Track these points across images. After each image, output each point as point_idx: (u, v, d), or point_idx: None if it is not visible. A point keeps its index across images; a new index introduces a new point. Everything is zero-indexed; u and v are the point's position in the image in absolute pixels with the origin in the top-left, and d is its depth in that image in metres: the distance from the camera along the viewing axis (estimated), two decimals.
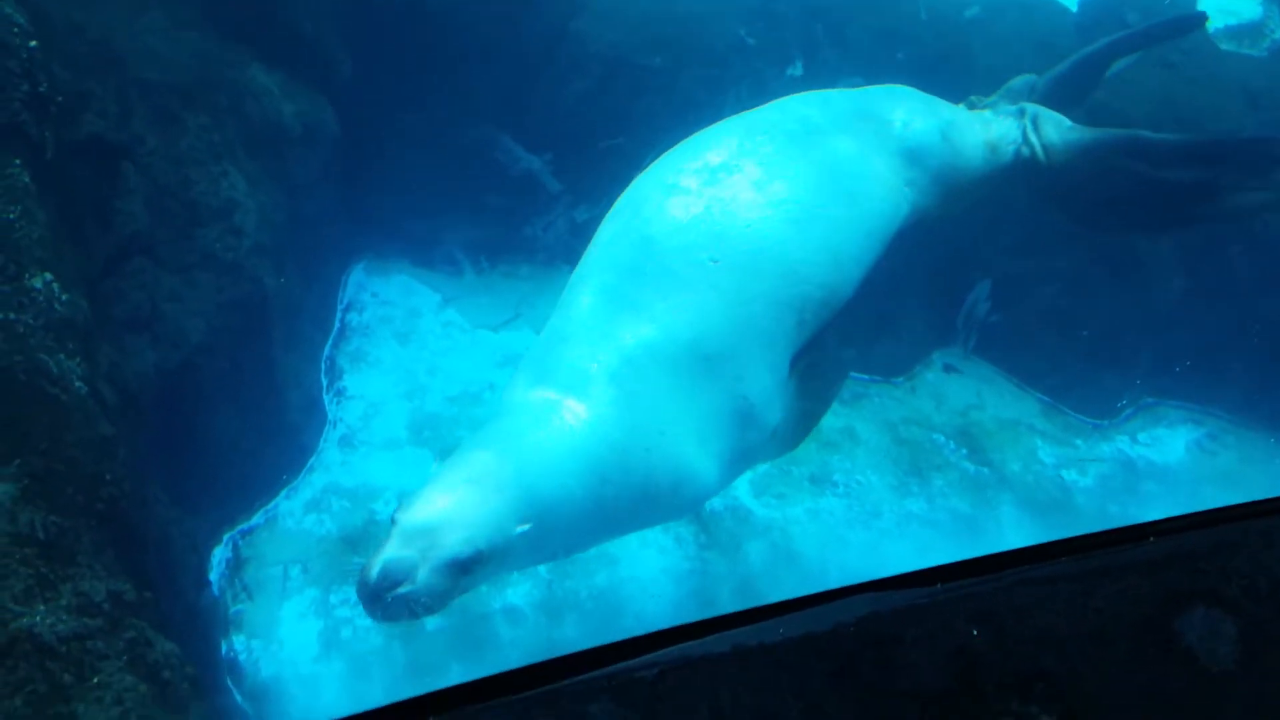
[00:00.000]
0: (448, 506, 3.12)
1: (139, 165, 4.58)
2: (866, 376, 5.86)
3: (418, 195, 6.15)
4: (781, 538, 5.03)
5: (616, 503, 3.44)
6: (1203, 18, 5.51)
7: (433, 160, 6.06)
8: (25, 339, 3.22)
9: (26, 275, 3.42)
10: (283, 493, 5.00)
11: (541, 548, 3.42)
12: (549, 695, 1.79)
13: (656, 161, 4.22)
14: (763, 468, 5.12)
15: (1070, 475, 5.42)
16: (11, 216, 3.50)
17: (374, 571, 2.97)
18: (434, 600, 3.06)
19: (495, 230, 6.24)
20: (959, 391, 5.84)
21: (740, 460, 3.80)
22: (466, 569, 3.08)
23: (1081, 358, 5.72)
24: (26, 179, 3.68)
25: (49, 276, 3.50)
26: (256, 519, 4.87)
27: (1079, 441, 5.62)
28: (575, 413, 3.41)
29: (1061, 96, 5.09)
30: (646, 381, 3.50)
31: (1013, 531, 5.07)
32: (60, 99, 4.04)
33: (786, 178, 3.97)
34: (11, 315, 3.26)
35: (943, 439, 5.57)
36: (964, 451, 5.51)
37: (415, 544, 3.02)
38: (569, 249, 6.12)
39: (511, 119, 6.05)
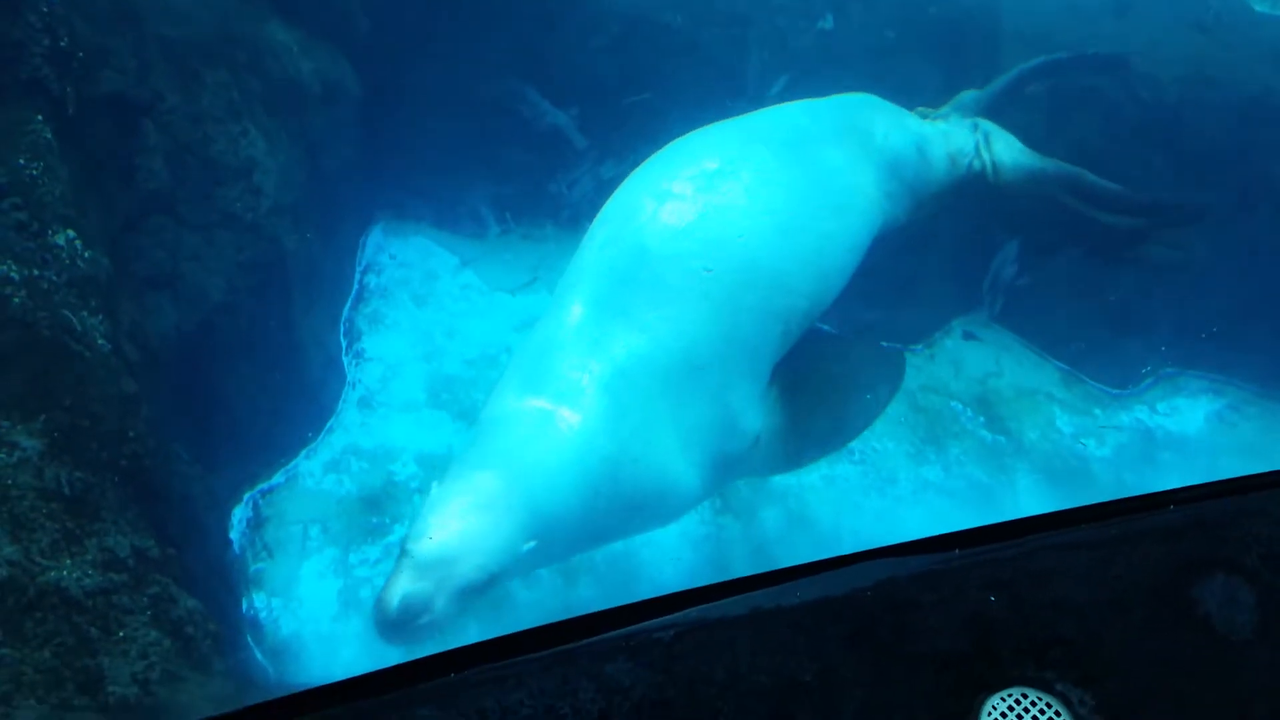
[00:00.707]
0: (459, 535, 3.15)
1: (159, 122, 4.57)
2: (885, 343, 5.84)
3: (438, 153, 6.12)
4: (797, 504, 5.04)
5: (606, 514, 3.47)
6: (1126, 59, 5.51)
7: (455, 117, 6.02)
8: (49, 295, 3.24)
9: (50, 232, 3.44)
10: (302, 453, 5.03)
11: (541, 560, 3.47)
12: (567, 654, 1.82)
13: (646, 164, 4.20)
14: None
15: (1088, 444, 5.40)
16: (34, 173, 3.51)
17: (394, 605, 2.99)
18: (450, 621, 3.11)
19: (520, 187, 6.21)
20: (978, 359, 5.81)
21: (722, 469, 3.81)
22: (481, 592, 3.15)
23: (1102, 325, 5.68)
24: (48, 135, 3.68)
25: (72, 234, 3.52)
26: (277, 478, 4.91)
27: (1098, 410, 5.59)
28: (569, 423, 3.43)
29: (998, 109, 5.24)
30: (637, 392, 3.51)
31: (1029, 500, 5.07)
32: (81, 54, 4.03)
33: (780, 188, 3.98)
34: (35, 272, 3.28)
35: (960, 407, 5.55)
36: (981, 419, 5.49)
37: (430, 575, 3.05)
38: (594, 207, 6.06)
39: (534, 74, 6.00)
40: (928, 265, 5.58)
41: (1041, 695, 1.79)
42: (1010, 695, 1.80)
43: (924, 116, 5.11)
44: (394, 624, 3.01)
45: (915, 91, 5.54)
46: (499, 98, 5.96)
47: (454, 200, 6.23)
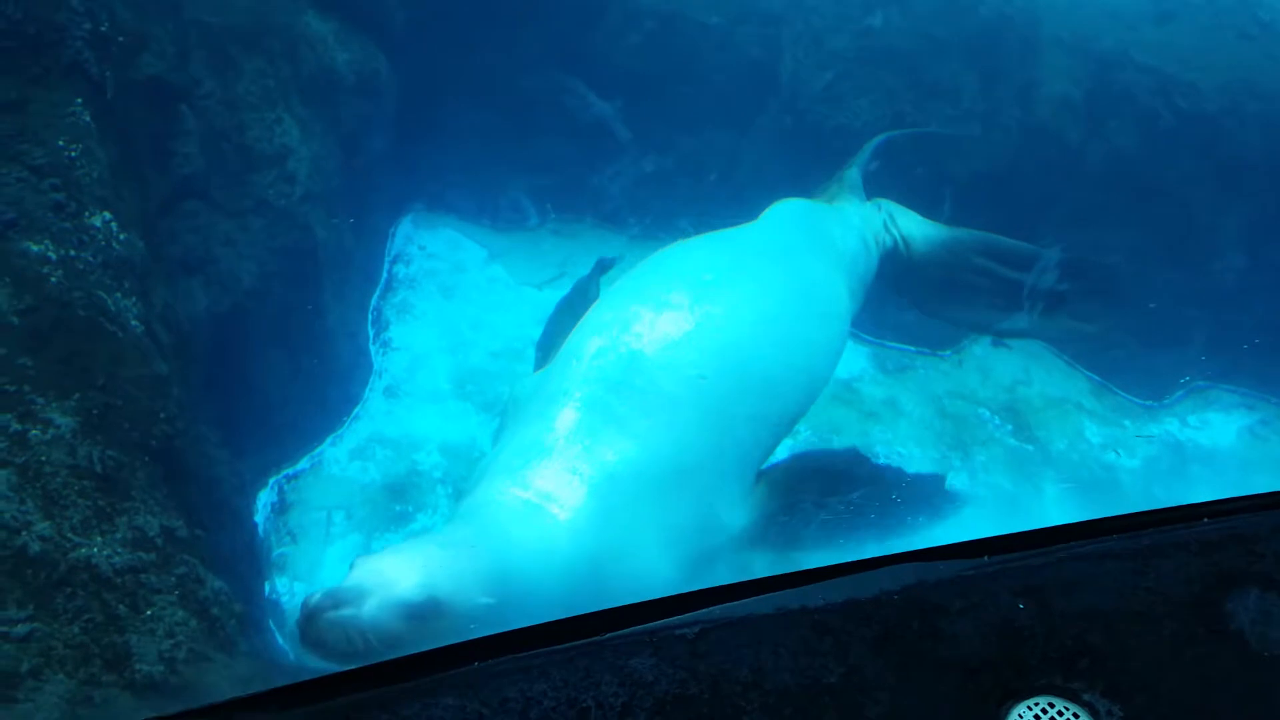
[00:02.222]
0: (410, 557, 3.09)
1: (195, 108, 4.61)
2: (913, 348, 5.81)
3: (472, 145, 6.13)
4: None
5: (580, 597, 3.44)
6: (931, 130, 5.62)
7: (489, 109, 6.03)
8: (85, 276, 3.28)
9: (86, 213, 3.47)
10: (328, 439, 5.07)
11: (501, 621, 3.39)
12: (592, 647, 1.81)
13: (634, 272, 4.28)
14: (804, 433, 5.11)
15: (1115, 456, 5.36)
16: (73, 155, 3.55)
17: (317, 595, 2.86)
18: (379, 638, 2.89)
19: (561, 178, 6.21)
20: (1007, 366, 5.77)
21: (704, 562, 3.80)
22: (420, 616, 2.98)
23: (1134, 335, 5.63)
24: (88, 118, 3.72)
25: (108, 215, 3.56)
26: (302, 464, 4.94)
27: (1127, 422, 5.54)
28: (556, 519, 3.42)
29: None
30: (626, 496, 3.52)
31: (1055, 510, 5.02)
32: (121, 39, 4.07)
33: (775, 298, 4.09)
34: (72, 252, 3.32)
35: (988, 414, 5.52)
36: (1009, 427, 5.46)
37: (369, 580, 2.94)
38: (634, 201, 6.10)
39: (570, 68, 6.00)
40: None
41: (1069, 705, 1.77)
42: (1037, 704, 1.78)
43: (822, 200, 5.22)
44: (313, 611, 2.83)
45: (950, 95, 5.52)
46: (541, 89, 5.96)
47: (490, 192, 6.25)
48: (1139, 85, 4.89)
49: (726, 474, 3.77)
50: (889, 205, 5.18)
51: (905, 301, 5.01)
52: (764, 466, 4.03)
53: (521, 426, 3.73)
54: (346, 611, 2.82)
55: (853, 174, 5.24)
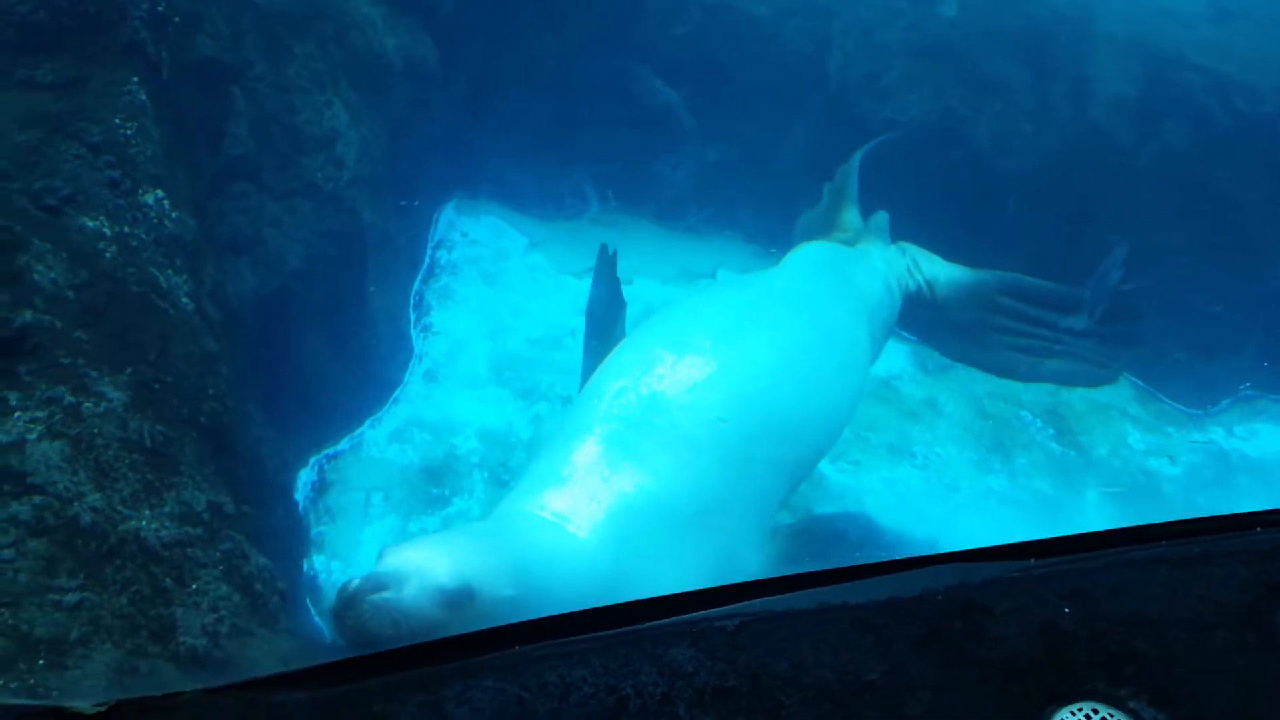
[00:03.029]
0: (438, 547, 3.12)
1: (247, 90, 4.66)
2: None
3: (522, 132, 6.12)
4: (855, 504, 4.99)
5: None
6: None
7: (542, 95, 6.03)
8: (138, 253, 3.33)
9: (140, 191, 3.52)
10: (368, 421, 5.11)
11: (524, 615, 3.40)
12: (633, 635, 1.81)
13: (662, 313, 4.35)
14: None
15: (1170, 462, 5.27)
16: (128, 133, 3.60)
17: (355, 581, 2.85)
18: (417, 623, 2.90)
19: (622, 165, 6.21)
20: None
21: None
22: (455, 603, 2.99)
23: (1183, 342, 5.53)
24: (143, 97, 3.77)
25: (160, 193, 3.60)
26: (342, 445, 4.99)
27: (1171, 430, 5.45)
28: (573, 536, 3.45)
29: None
30: (642, 526, 3.54)
31: (1095, 515, 4.95)
32: (177, 19, 4.12)
33: (798, 345, 4.14)
34: (126, 229, 3.37)
35: (1029, 416, 5.45)
36: (1051, 431, 5.39)
37: (405, 566, 2.94)
38: (696, 190, 6.08)
39: (625, 57, 5.98)
40: (1005, 266, 5.47)
41: (1113, 711, 1.74)
42: (1081, 709, 1.75)
43: (844, 243, 5.18)
44: (354, 596, 2.82)
45: (1001, 91, 5.45)
46: (598, 75, 5.93)
47: (538, 179, 6.25)
48: (1195, 85, 4.79)
49: (745, 516, 3.80)
50: (913, 250, 5.19)
51: (931, 346, 4.96)
52: (781, 521, 4.11)
53: (542, 459, 3.78)
54: (388, 595, 2.82)
55: (882, 218, 5.25)
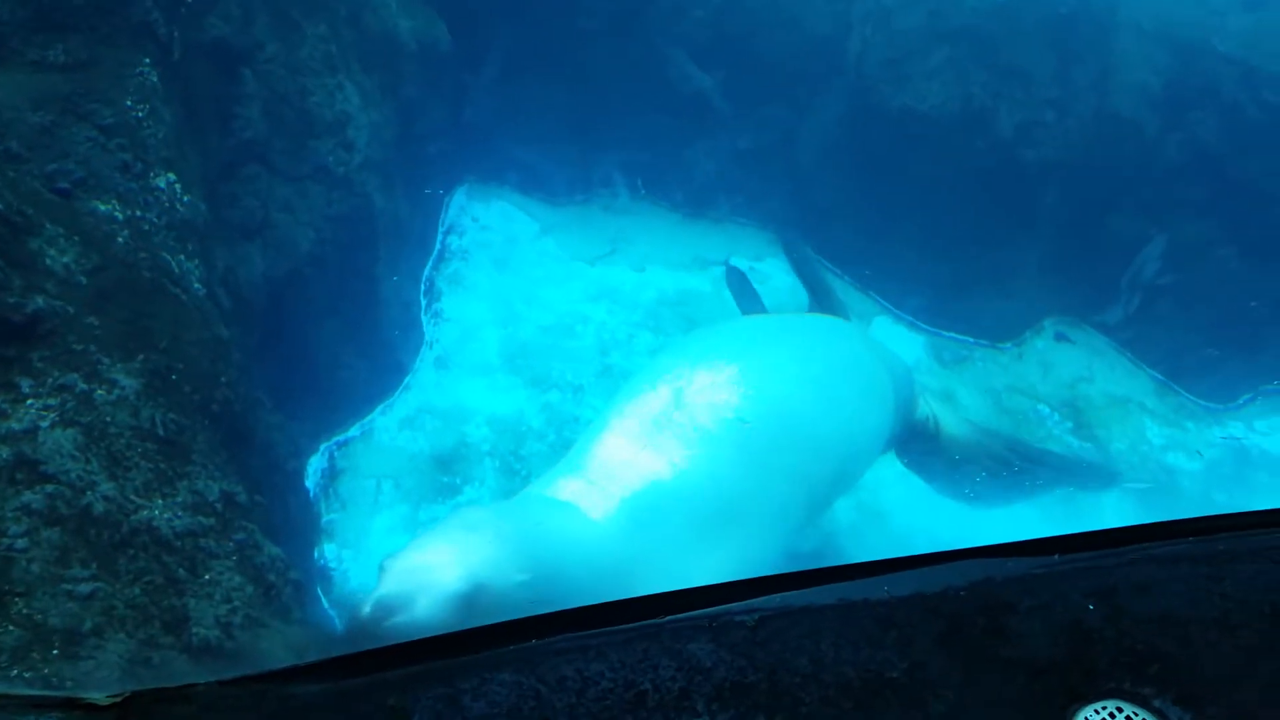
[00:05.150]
0: (439, 547, 3.05)
1: (258, 72, 4.62)
2: (972, 339, 5.70)
3: (554, 118, 6.04)
4: (870, 497, 4.96)
5: (603, 594, 3.40)
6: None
7: (551, 81, 5.96)
8: (150, 237, 3.30)
9: (152, 174, 3.49)
10: (379, 408, 5.09)
11: (538, 598, 3.38)
12: (651, 629, 1.79)
13: (686, 336, 4.39)
14: None
15: (1177, 458, 5.22)
16: (140, 115, 3.57)
17: (365, 608, 2.79)
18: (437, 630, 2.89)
19: (653, 153, 6.13)
20: (1068, 362, 5.65)
21: None
22: (469, 604, 2.96)
23: (1204, 336, 5.46)
24: (155, 79, 3.74)
25: (172, 177, 3.58)
26: (353, 432, 4.97)
27: (1190, 425, 5.40)
28: (585, 518, 3.45)
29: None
30: (657, 515, 3.54)
31: (1112, 512, 4.91)
32: (189, 0, 4.08)
33: (825, 363, 4.21)
34: (138, 213, 3.34)
35: (1047, 410, 5.42)
36: (1068, 425, 5.35)
37: (409, 581, 2.89)
38: (727, 179, 6.02)
39: (641, 42, 5.89)
40: (1025, 257, 5.42)
41: (1138, 710, 1.72)
42: (1105, 708, 1.73)
43: None
44: (366, 627, 2.77)
45: (1023, 79, 5.37)
46: (630, 60, 5.84)
47: (563, 166, 6.18)
48: (1223, 76, 4.71)
49: (764, 527, 3.78)
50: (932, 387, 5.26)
51: (905, 464, 4.96)
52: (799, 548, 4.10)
53: (562, 456, 3.81)
54: (401, 619, 2.78)
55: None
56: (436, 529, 3.19)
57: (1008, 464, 4.92)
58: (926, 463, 4.95)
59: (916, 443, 4.87)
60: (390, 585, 2.86)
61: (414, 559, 2.98)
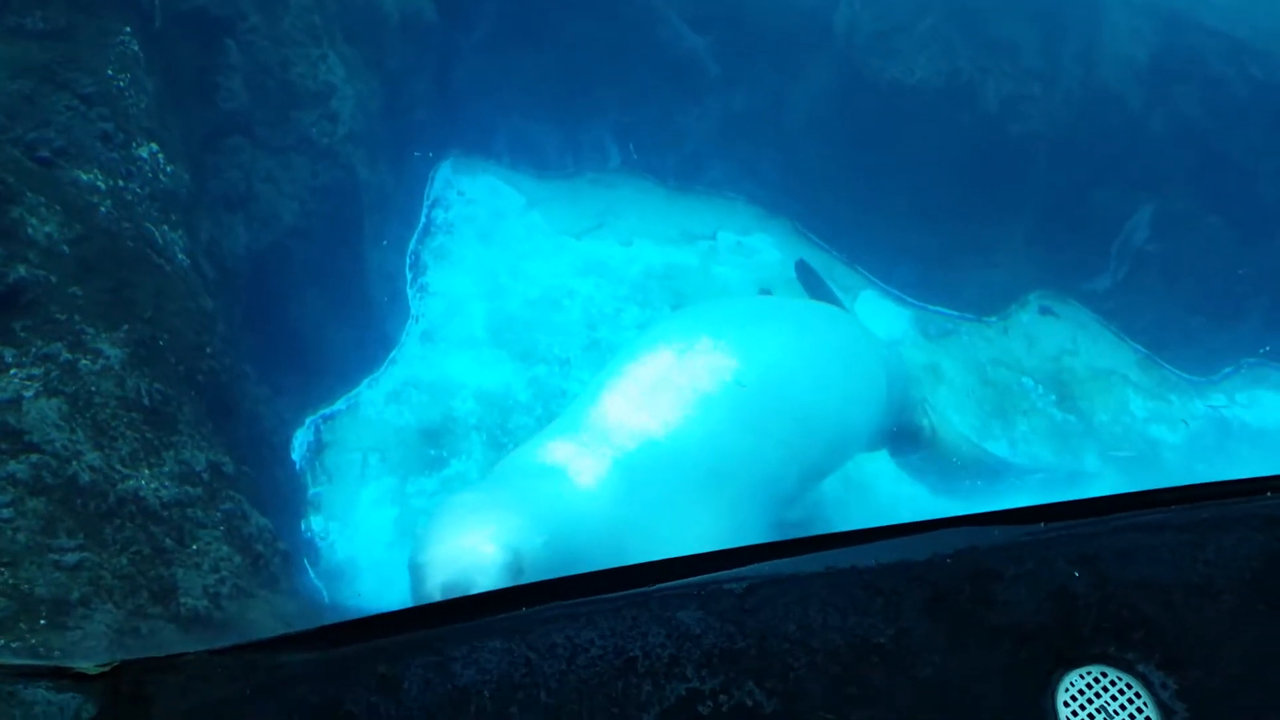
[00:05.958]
0: (463, 531, 3.04)
1: (241, 42, 4.56)
2: (957, 313, 5.72)
3: (543, 85, 5.95)
4: (854, 469, 4.98)
5: (599, 560, 3.40)
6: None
7: (538, 51, 5.89)
8: (133, 207, 3.27)
9: (134, 144, 3.45)
10: (365, 381, 5.08)
11: (556, 560, 3.37)
12: (641, 597, 1.80)
13: (695, 308, 4.47)
14: None
15: (1159, 430, 5.27)
16: (121, 84, 3.52)
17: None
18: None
19: (643, 118, 6.07)
20: (1053, 335, 5.67)
21: None
22: (519, 571, 3.00)
23: (1188, 309, 5.50)
24: (135, 47, 3.69)
25: (155, 147, 3.54)
26: (339, 405, 4.96)
27: (1173, 397, 5.44)
28: (574, 483, 3.43)
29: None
30: (652, 476, 3.54)
31: (1097, 483, 4.96)
32: None
33: (821, 339, 4.28)
34: (120, 183, 3.30)
35: (1031, 383, 5.45)
36: (1052, 398, 5.38)
37: (455, 568, 2.89)
38: (719, 144, 5.96)
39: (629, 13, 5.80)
40: (1011, 230, 5.42)
41: (1122, 675, 1.75)
42: (1089, 673, 1.76)
43: None
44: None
45: (1009, 51, 5.34)
46: (619, 21, 5.74)
47: (554, 133, 6.11)
48: (1209, 50, 4.70)
49: (756, 492, 3.80)
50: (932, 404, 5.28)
51: (888, 452, 4.97)
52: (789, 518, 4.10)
53: (563, 414, 3.81)
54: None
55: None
56: (438, 524, 3.15)
57: (999, 476, 4.98)
58: (922, 468, 5.00)
59: (913, 448, 4.92)
60: (439, 576, 2.86)
61: (445, 548, 2.96)
